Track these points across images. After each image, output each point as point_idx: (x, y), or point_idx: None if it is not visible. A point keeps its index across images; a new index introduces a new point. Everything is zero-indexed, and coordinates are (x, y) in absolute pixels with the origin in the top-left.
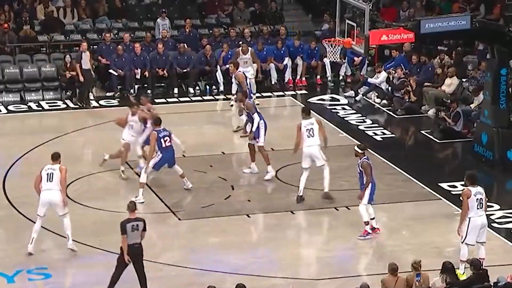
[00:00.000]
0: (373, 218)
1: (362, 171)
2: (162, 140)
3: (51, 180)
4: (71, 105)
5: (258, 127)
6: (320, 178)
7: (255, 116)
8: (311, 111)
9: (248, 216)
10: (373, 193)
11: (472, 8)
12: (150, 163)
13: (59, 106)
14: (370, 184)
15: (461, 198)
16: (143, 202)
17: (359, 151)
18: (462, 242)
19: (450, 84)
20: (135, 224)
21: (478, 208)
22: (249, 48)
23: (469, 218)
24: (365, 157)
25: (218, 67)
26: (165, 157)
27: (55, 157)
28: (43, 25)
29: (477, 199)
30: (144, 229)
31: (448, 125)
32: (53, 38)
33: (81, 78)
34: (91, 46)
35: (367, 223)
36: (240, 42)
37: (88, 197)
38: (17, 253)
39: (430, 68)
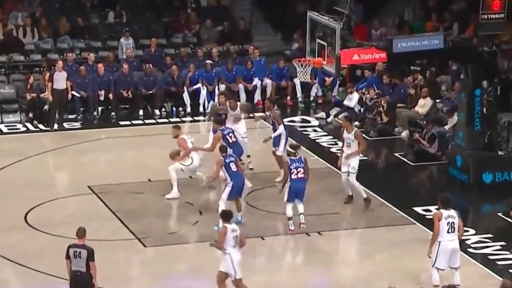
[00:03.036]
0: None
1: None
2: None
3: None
4: (32, 128)
5: (279, 137)
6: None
7: (280, 127)
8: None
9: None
10: (293, 194)
11: (445, 27)
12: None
13: (19, 129)
14: (289, 183)
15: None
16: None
17: (292, 150)
18: (432, 266)
19: (423, 105)
20: (78, 251)
21: (448, 232)
22: (238, 103)
23: (439, 242)
24: (297, 157)
25: (185, 88)
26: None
27: None
28: (2, 45)
29: (448, 222)
30: (91, 259)
31: (423, 147)
32: (12, 59)
33: (50, 98)
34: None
35: (290, 218)
36: (206, 61)
37: (51, 224)
38: None
39: (402, 90)
